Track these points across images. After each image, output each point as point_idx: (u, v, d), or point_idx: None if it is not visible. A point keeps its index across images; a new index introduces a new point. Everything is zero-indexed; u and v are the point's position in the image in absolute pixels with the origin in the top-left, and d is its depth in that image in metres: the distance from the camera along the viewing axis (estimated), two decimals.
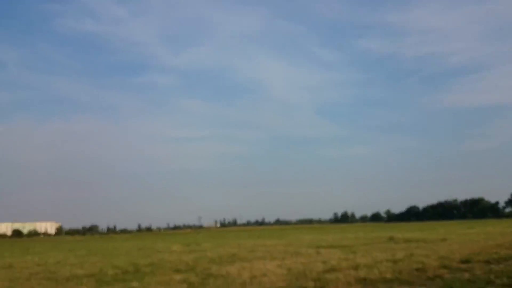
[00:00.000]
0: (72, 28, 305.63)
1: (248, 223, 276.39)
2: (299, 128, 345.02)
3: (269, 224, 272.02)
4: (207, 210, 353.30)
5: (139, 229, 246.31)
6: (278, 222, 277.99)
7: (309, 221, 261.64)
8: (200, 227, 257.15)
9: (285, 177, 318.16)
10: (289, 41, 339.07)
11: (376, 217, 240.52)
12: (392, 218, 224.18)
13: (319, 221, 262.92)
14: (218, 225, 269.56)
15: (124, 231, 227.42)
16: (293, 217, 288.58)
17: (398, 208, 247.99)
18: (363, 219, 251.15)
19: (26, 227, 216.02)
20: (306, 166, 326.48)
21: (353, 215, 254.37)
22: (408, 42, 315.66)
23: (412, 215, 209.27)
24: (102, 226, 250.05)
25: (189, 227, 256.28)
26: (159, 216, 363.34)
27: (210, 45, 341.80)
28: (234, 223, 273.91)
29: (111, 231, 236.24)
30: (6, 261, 26.68)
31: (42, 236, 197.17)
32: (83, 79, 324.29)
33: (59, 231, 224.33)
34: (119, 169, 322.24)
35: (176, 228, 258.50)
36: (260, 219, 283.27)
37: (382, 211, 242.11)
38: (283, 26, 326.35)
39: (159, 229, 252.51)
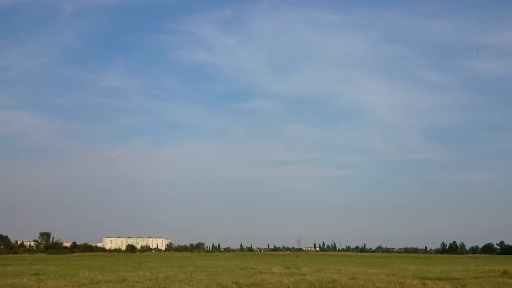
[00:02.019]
0: (186, 58, 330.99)
1: (348, 249, 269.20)
2: (404, 152, 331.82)
3: (370, 251, 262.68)
4: (306, 233, 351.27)
5: (241, 249, 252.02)
6: (379, 249, 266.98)
7: (414, 250, 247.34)
8: (299, 249, 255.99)
9: (389, 203, 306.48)
10: (394, 63, 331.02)
11: (488, 249, 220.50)
12: (506, 250, 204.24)
13: (425, 251, 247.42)
14: (317, 248, 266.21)
15: (227, 250, 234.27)
16: (396, 245, 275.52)
17: None
18: (474, 250, 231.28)
19: (139, 243, 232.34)
20: (412, 191, 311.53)
21: (462, 246, 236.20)
22: None
23: None
24: (208, 243, 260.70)
25: (288, 249, 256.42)
26: (260, 236, 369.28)
27: (313, 70, 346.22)
28: (333, 248, 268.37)
29: (216, 249, 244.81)
30: (120, 275, 29.02)
31: (153, 251, 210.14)
32: (194, 105, 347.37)
33: (169, 247, 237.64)
34: (225, 190, 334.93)
35: (275, 249, 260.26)
36: (360, 245, 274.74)
37: (495, 243, 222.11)
38: (388, 49, 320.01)
39: (259, 249, 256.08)
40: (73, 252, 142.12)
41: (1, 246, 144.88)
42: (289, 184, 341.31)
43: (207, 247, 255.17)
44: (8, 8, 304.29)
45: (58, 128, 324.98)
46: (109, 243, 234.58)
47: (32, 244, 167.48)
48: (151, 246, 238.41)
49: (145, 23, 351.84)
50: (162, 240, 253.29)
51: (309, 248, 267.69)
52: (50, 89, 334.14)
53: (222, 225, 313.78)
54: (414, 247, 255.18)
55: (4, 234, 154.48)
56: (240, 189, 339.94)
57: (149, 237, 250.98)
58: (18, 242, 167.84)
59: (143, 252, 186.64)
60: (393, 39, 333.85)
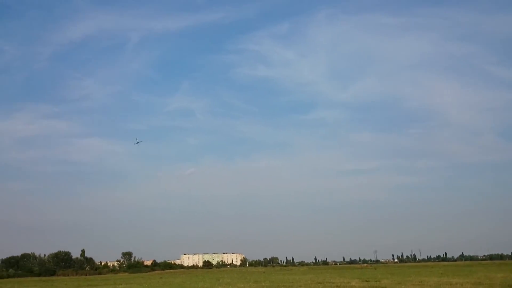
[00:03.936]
0: (247, 75, 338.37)
1: (429, 259, 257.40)
2: (480, 154, 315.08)
3: (452, 259, 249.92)
4: (383, 244, 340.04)
5: (316, 262, 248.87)
6: (462, 257, 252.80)
7: (499, 257, 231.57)
8: (376, 261, 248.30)
9: (467, 207, 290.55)
10: (461, 62, 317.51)
11: None
12: None
13: None
14: (396, 260, 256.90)
15: (301, 264, 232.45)
16: (480, 252, 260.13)
17: None
18: None
19: (214, 259, 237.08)
20: (491, 194, 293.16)
21: None
22: None
23: None
24: (282, 258, 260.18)
25: (364, 261, 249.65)
26: (335, 249, 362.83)
27: (377, 76, 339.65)
28: (413, 259, 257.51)
29: (289, 263, 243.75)
30: None
31: (228, 266, 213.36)
32: (258, 119, 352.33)
33: (244, 262, 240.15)
34: (295, 202, 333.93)
35: (351, 262, 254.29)
36: (442, 254, 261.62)
37: None
38: (453, 48, 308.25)
39: (334, 262, 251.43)
40: (153, 270, 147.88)
41: (87, 268, 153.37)
42: (361, 194, 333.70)
43: (281, 261, 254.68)
44: (79, 42, 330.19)
45: (132, 151, 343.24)
46: (187, 260, 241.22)
47: (115, 264, 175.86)
48: (226, 262, 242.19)
49: (206, 45, 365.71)
50: (236, 255, 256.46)
51: (387, 260, 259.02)
52: (123, 115, 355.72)
53: (295, 238, 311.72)
54: (500, 253, 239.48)
55: (89, 256, 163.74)
56: (310, 201, 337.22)
57: (224, 253, 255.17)
58: (102, 263, 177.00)
59: (219, 267, 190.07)
60: (458, 37, 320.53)
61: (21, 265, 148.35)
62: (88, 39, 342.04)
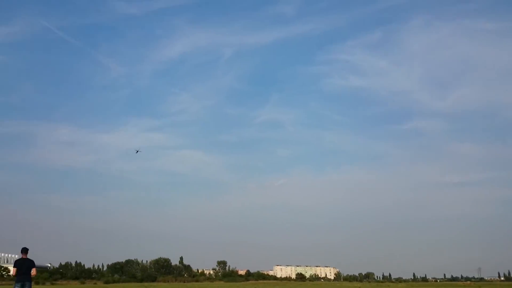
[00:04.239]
0: (338, 85, 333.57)
1: None
2: None
3: None
4: (488, 260, 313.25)
5: (414, 278, 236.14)
6: None
7: None
8: (480, 279, 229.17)
9: None
10: None
11: None
12: None
13: None
14: (502, 278, 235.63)
15: (398, 280, 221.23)
16: None
17: None
18: None
19: (307, 271, 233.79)
20: None
21: None
22: None
23: None
24: (378, 273, 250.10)
25: (467, 279, 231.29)
26: (434, 265, 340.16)
27: (477, 84, 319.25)
28: None
29: (386, 278, 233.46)
30: None
31: (322, 280, 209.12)
32: (350, 130, 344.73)
33: (337, 276, 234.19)
34: (391, 216, 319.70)
35: (453, 279, 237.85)
36: None
37: None
38: None
39: (434, 279, 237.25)
40: (247, 280, 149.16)
41: (185, 275, 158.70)
42: (463, 208, 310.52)
43: (377, 276, 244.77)
44: (176, 59, 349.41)
45: (226, 162, 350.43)
46: (279, 271, 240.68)
47: (211, 272, 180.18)
48: (319, 275, 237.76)
49: (297, 57, 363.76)
50: (330, 269, 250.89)
51: (492, 278, 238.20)
52: (217, 128, 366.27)
53: (392, 253, 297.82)
54: None
55: (187, 263, 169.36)
56: (407, 215, 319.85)
57: (317, 266, 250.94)
58: (199, 271, 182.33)
59: (312, 281, 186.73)
60: None
61: (125, 270, 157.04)
62: (185, 56, 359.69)
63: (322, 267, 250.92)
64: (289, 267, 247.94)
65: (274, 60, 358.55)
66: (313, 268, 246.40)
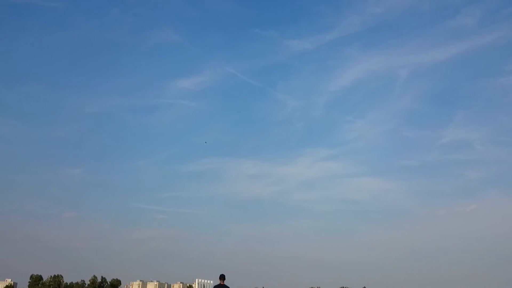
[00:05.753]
0: None
1: None
2: None
3: None
4: None
5: None
6: None
7: None
8: None
9: None
10: None
11: None
12: None
13: None
14: None
15: None
16: None
17: None
18: None
19: None
20: None
21: None
22: None
23: None
24: None
25: None
26: None
27: None
28: None
29: None
30: None
31: None
32: None
33: None
34: None
35: None
36: None
37: None
38: None
39: None
40: None
41: None
42: None
43: None
44: (349, 87, 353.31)
45: (407, 188, 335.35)
46: None
47: None
48: None
49: (481, 70, 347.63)
50: None
51: None
52: (395, 153, 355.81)
53: None
54: None
55: None
56: None
57: None
58: None
59: None
60: None
61: None
62: (358, 82, 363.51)
63: None
64: None
65: (454, 76, 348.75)
66: None
